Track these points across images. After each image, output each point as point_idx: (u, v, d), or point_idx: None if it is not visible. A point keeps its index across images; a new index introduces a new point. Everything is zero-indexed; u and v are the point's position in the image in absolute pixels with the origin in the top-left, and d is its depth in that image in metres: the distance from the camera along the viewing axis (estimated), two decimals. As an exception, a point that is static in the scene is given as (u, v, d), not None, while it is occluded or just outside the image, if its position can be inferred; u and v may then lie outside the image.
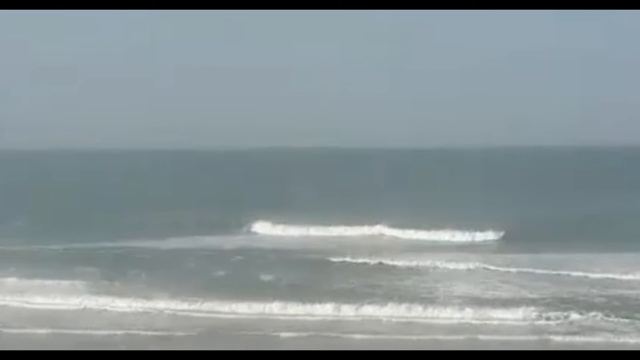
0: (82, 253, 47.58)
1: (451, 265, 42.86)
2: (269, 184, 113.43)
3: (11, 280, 39.24)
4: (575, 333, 29.81)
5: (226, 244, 52.31)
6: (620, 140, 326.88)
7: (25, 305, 35.12)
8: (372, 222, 57.15)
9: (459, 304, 33.57)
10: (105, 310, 34.23)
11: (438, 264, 43.24)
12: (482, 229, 54.09)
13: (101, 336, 30.03)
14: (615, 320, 31.16)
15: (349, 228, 57.13)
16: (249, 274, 41.39)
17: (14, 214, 67.21)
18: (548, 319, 31.52)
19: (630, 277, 38.98)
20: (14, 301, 35.56)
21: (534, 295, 35.57)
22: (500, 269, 41.92)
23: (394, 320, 31.90)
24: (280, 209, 66.43)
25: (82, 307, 34.73)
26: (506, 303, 33.77)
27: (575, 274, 39.96)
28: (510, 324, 31.20)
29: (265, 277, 40.42)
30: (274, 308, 33.46)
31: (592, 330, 30.14)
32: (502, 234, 53.33)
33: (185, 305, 34.09)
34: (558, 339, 29.05)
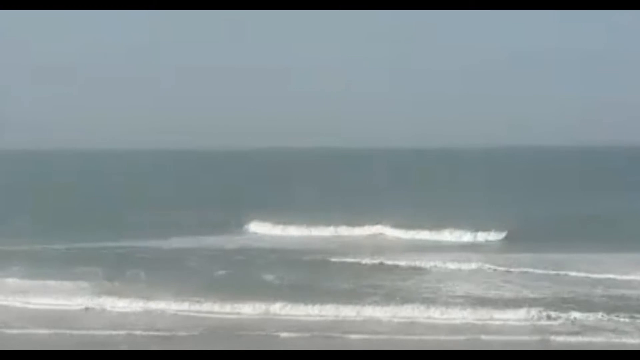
0: (84, 253, 47.58)
1: (453, 266, 42.85)
2: (270, 183, 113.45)
3: (13, 280, 39.25)
4: (577, 333, 29.79)
5: (227, 244, 52.33)
6: (622, 140, 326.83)
7: (27, 305, 35.09)
8: (373, 222, 57.13)
9: (460, 304, 33.55)
10: (107, 310, 34.22)
11: (440, 264, 43.22)
12: (484, 229, 54.07)
13: (103, 336, 30.02)
14: (617, 320, 31.15)
15: (349, 228, 57.12)
16: (250, 274, 41.39)
17: (16, 214, 67.24)
18: (550, 319, 31.50)
19: (632, 277, 38.95)
20: (16, 301, 35.54)
21: (536, 295, 35.56)
22: (502, 268, 41.88)
23: (395, 320, 31.88)
24: (281, 208, 66.43)
25: (84, 307, 34.72)
26: (508, 303, 33.76)
27: (577, 274, 39.95)
28: (513, 324, 31.18)
29: (266, 277, 40.41)
30: (275, 308, 33.43)
31: (594, 330, 30.11)
32: (504, 234, 53.29)
33: (186, 306, 34.09)
34: (560, 339, 29.03)
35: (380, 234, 56.13)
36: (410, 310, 32.60)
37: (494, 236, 53.21)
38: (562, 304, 33.64)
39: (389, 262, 44.08)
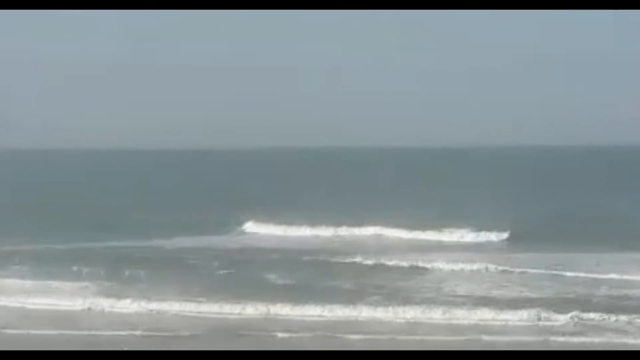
0: (85, 253, 47.54)
1: (455, 266, 42.78)
2: (272, 183, 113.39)
3: (16, 281, 39.27)
4: (579, 333, 29.77)
5: (229, 244, 52.39)
6: (625, 140, 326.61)
7: (29, 305, 35.10)
8: (375, 222, 57.07)
9: (462, 305, 33.54)
10: (109, 310, 34.23)
11: (442, 264, 43.17)
12: (486, 228, 54.03)
13: (105, 337, 30.03)
14: (619, 320, 31.11)
15: (351, 228, 57.07)
16: (252, 274, 41.39)
17: (18, 213, 67.27)
18: (553, 319, 31.46)
19: (634, 277, 38.92)
20: (18, 302, 35.53)
21: (539, 295, 35.55)
22: (504, 269, 41.83)
23: (397, 320, 31.89)
24: (283, 208, 66.49)
25: (86, 307, 34.71)
26: (510, 303, 33.73)
27: (580, 274, 39.91)
28: (515, 324, 31.18)
29: (268, 277, 40.41)
30: (277, 308, 33.43)
31: (597, 330, 30.09)
32: (507, 234, 53.20)
33: (188, 306, 34.08)
34: (562, 339, 28.99)
35: (382, 234, 56.07)
36: (412, 311, 32.59)
37: (497, 236, 53.14)
38: (565, 304, 33.60)
39: (391, 262, 44.05)
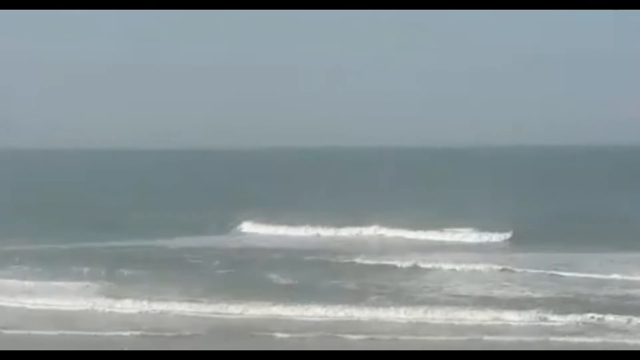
0: (86, 252, 47.52)
1: (457, 266, 42.71)
2: (273, 183, 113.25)
3: (18, 281, 39.27)
4: (581, 333, 29.78)
5: (229, 244, 52.39)
6: (628, 140, 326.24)
7: (31, 306, 35.11)
8: (376, 222, 56.99)
9: (464, 305, 33.55)
10: (111, 310, 34.23)
11: (444, 264, 43.13)
12: (488, 229, 53.95)
13: (108, 337, 30.06)
14: (621, 320, 31.11)
15: (353, 228, 57.00)
16: (253, 274, 41.36)
17: (20, 213, 67.25)
18: (554, 319, 31.45)
19: (637, 277, 38.91)
20: (20, 302, 35.52)
21: (540, 295, 35.56)
22: (507, 269, 41.79)
23: (398, 320, 31.88)
24: (285, 208, 66.47)
25: (87, 307, 34.74)
26: (512, 303, 33.75)
27: (582, 274, 39.87)
28: (516, 324, 31.18)
29: (270, 277, 40.39)
30: (279, 308, 33.45)
31: (599, 331, 30.09)
32: (509, 234, 53.10)
33: (190, 306, 34.12)
34: (564, 339, 29.00)
35: (383, 234, 56.02)
36: (413, 311, 32.58)
37: (499, 236, 53.01)
38: (566, 304, 33.63)
39: (392, 263, 44.01)
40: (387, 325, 31.23)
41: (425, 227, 55.25)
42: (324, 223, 57.81)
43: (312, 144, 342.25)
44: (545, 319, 31.50)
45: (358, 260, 45.04)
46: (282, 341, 29.32)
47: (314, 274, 41.09)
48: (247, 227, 59.23)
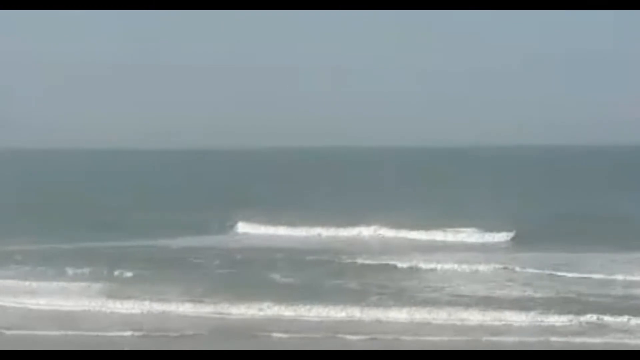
0: (88, 252, 47.51)
1: (459, 266, 42.66)
2: (274, 183, 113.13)
3: (20, 281, 39.27)
4: (583, 333, 29.78)
5: (230, 244, 52.39)
6: (624, 140, 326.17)
7: (32, 306, 35.10)
8: (379, 222, 56.89)
9: (466, 305, 33.53)
10: (113, 311, 34.24)
11: (447, 264, 43.08)
12: (490, 228, 53.92)
13: (110, 337, 30.08)
14: (624, 321, 31.09)
15: (355, 228, 56.93)
16: (254, 274, 41.34)
17: (21, 213, 67.24)
18: (556, 319, 31.42)
19: (639, 277, 38.90)
20: (22, 302, 35.52)
21: (542, 296, 35.57)
22: (508, 268, 41.83)
23: (400, 320, 31.89)
24: (285, 208, 66.43)
25: (90, 307, 34.75)
26: (514, 303, 33.75)
27: (584, 275, 39.83)
28: (518, 324, 31.17)
29: (271, 278, 40.39)
30: (280, 308, 33.46)
31: (601, 331, 30.09)
32: (511, 234, 53.05)
33: (192, 306, 34.13)
34: (566, 339, 28.99)
35: (385, 234, 55.94)
36: (415, 311, 32.57)
37: (500, 236, 52.96)
38: (568, 304, 33.64)
39: (394, 263, 43.94)
40: (388, 326, 31.23)
41: (426, 227, 55.20)
42: (325, 223, 57.77)
43: (313, 143, 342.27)
44: (547, 319, 31.47)
45: (360, 260, 45.02)
46: (283, 341, 29.31)
47: (315, 274, 41.09)
48: (248, 227, 59.17)
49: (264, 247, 51.13)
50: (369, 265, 43.77)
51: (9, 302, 35.70)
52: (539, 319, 31.54)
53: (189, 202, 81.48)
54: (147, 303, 34.50)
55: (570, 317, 31.55)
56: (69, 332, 30.78)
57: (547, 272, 40.65)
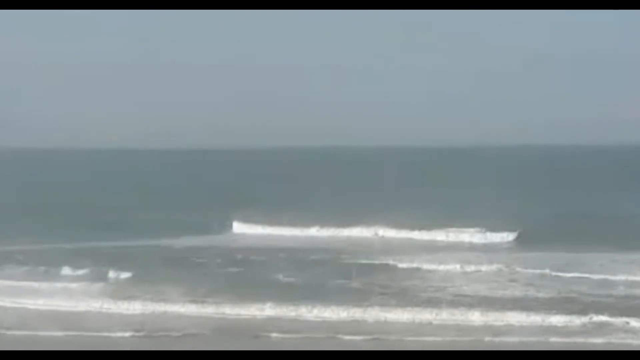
0: (88, 252, 47.46)
1: (462, 266, 42.61)
2: (275, 183, 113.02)
3: (22, 282, 39.27)
4: (585, 333, 29.75)
5: (232, 244, 52.40)
6: (625, 140, 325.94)
7: (35, 306, 35.07)
8: (381, 222, 56.84)
9: (467, 305, 33.49)
10: (114, 311, 34.23)
11: (449, 264, 43.01)
12: (493, 229, 53.87)
13: (111, 337, 30.07)
14: (626, 321, 31.04)
15: (357, 228, 56.84)
16: (257, 274, 41.34)
17: (23, 213, 67.22)
18: (559, 320, 31.38)
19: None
20: (23, 303, 35.49)
21: (545, 296, 35.55)
22: (511, 269, 41.80)
23: (402, 320, 31.85)
24: (287, 208, 66.35)
25: (91, 308, 34.74)
26: (517, 304, 33.71)
27: (587, 275, 39.85)
28: (521, 324, 31.12)
29: (274, 278, 40.36)
30: (282, 309, 33.43)
31: (603, 331, 30.04)
32: (514, 234, 52.97)
33: (191, 306, 34.12)
34: (569, 339, 28.95)
35: (388, 234, 55.85)
36: (417, 312, 32.53)
37: (503, 237, 52.90)
38: (571, 304, 33.63)
39: (396, 263, 43.90)
40: (390, 326, 31.20)
41: (427, 227, 55.18)
42: (325, 223, 57.73)
43: (313, 143, 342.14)
44: (548, 319, 31.42)
45: (361, 260, 44.99)
46: (284, 341, 29.27)
47: (317, 274, 41.06)
48: (244, 227, 59.11)
49: (266, 246, 51.09)
50: (370, 265, 43.72)
51: (9, 302, 35.66)
52: (540, 319, 31.48)
53: (188, 202, 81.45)
54: (148, 303, 34.46)
55: (572, 317, 31.51)
56: (70, 333, 30.74)
57: (549, 272, 40.60)
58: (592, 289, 36.92)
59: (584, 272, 40.33)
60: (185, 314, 33.52)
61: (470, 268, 42.32)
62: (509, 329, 30.56)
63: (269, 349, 27.44)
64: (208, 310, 33.86)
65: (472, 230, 54.70)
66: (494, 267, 42.24)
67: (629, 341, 28.77)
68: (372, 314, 32.54)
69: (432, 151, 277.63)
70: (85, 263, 42.77)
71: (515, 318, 31.62)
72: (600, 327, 30.56)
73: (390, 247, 50.38)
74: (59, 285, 38.61)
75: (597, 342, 28.59)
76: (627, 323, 30.88)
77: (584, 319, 31.27)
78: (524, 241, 51.45)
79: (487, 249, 49.64)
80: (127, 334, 30.43)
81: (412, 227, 55.34)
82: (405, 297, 35.39)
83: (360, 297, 35.08)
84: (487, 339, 29.22)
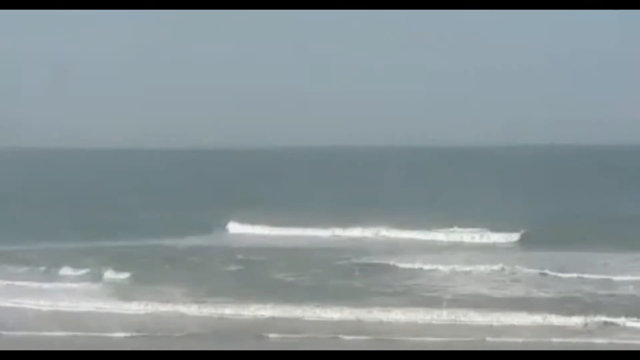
0: (88, 252, 47.45)
1: (464, 266, 42.63)
2: (276, 183, 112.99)
3: (24, 282, 39.26)
4: (588, 333, 29.74)
5: (234, 244, 52.38)
6: (625, 140, 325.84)
7: (37, 306, 35.07)
8: (383, 222, 56.83)
9: (470, 305, 33.48)
10: (116, 311, 34.22)
11: (451, 265, 42.99)
12: (496, 229, 53.85)
13: (113, 337, 30.05)
14: (629, 321, 31.02)
15: (359, 228, 56.82)
16: (259, 274, 41.36)
17: (27, 213, 67.25)
18: (561, 320, 31.37)
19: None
20: (26, 303, 35.49)
21: (547, 296, 35.56)
22: (513, 269, 41.81)
23: (403, 321, 31.83)
24: (289, 208, 66.38)
25: (92, 308, 34.72)
26: (519, 304, 33.71)
27: (590, 275, 39.85)
28: (522, 325, 31.11)
29: (275, 278, 40.38)
30: (282, 309, 33.42)
31: (605, 331, 30.04)
32: (517, 234, 52.94)
33: (192, 307, 34.11)
34: (571, 339, 28.94)
35: (390, 234, 55.83)
36: (418, 312, 32.53)
37: (506, 237, 52.86)
38: (573, 304, 33.62)
39: (397, 263, 43.88)
40: (392, 326, 31.18)
41: (429, 227, 55.19)
42: (326, 223, 57.73)
43: (313, 143, 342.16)
44: (550, 320, 31.41)
45: (363, 260, 45.00)
46: (284, 341, 29.26)
47: (318, 275, 41.07)
48: (249, 227, 59.10)
49: (265, 247, 51.08)
50: (371, 266, 43.73)
51: (10, 302, 35.64)
52: (542, 319, 31.46)
53: (189, 202, 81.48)
54: (148, 303, 34.44)
55: (574, 317, 31.48)
56: (71, 333, 30.72)
57: (550, 272, 40.60)
58: (594, 289, 36.93)
59: (585, 272, 40.32)
60: (186, 314, 33.50)
61: (471, 268, 42.32)
62: (510, 329, 30.55)
63: (270, 349, 27.43)
64: (209, 310, 33.84)
65: (472, 230, 54.69)
66: (495, 267, 42.24)
67: (631, 341, 28.72)
68: (373, 314, 32.51)
69: (432, 151, 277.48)
70: (85, 263, 42.74)
71: (517, 318, 31.61)
72: (602, 327, 30.55)
73: (391, 247, 50.36)
74: (59, 285, 38.61)
75: (599, 342, 28.57)
76: (629, 323, 30.87)
77: (586, 319, 31.25)
78: (525, 241, 51.47)
79: (488, 249, 49.63)
80: (127, 334, 30.40)
81: (413, 227, 55.32)
82: (406, 297, 35.39)
83: (361, 297, 35.07)
84: (488, 339, 29.21)
